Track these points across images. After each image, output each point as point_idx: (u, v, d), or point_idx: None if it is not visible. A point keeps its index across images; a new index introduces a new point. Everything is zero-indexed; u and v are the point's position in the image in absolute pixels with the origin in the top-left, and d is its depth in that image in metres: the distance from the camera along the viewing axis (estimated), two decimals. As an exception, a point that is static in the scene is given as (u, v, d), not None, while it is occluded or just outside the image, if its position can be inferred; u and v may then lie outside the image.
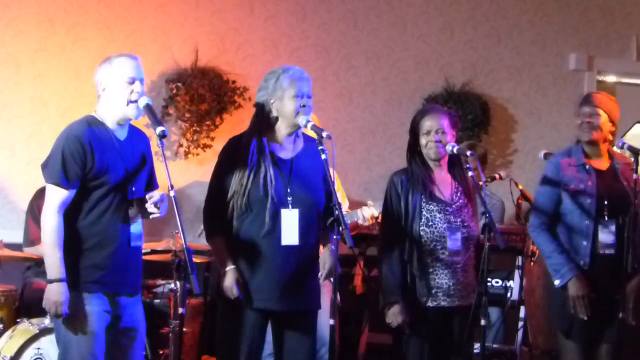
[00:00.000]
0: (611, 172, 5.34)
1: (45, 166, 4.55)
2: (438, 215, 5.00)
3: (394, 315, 4.97)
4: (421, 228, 4.99)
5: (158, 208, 4.54)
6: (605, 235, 5.24)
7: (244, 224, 4.71)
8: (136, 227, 4.65)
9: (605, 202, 5.23)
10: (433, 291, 4.98)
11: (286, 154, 4.80)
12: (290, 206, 4.68)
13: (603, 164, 5.36)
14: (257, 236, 4.68)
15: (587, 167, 5.30)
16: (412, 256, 5.00)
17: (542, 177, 5.46)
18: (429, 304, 4.97)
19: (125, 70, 4.56)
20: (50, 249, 4.44)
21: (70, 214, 4.50)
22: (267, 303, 4.70)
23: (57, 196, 4.47)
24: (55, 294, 4.41)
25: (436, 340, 5.00)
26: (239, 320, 4.71)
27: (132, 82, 4.55)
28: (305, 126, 4.66)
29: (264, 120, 4.80)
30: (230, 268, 4.67)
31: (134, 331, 4.68)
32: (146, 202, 4.57)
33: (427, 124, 5.07)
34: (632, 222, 5.15)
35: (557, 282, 5.25)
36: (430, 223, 5.00)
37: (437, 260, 4.99)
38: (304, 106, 4.71)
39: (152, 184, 4.78)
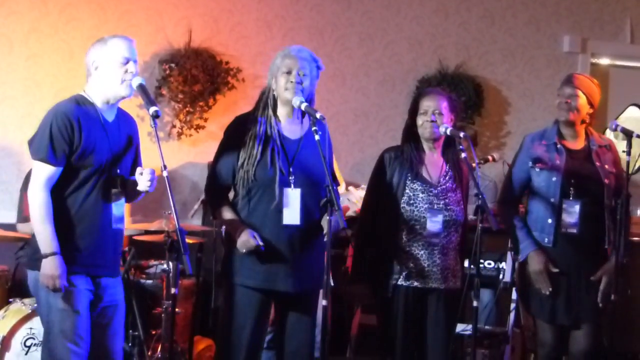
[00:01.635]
0: (584, 153, 5.38)
1: (32, 143, 4.54)
2: (421, 195, 5.03)
3: (352, 296, 5.23)
4: (402, 206, 5.02)
5: (150, 182, 4.54)
6: (569, 215, 5.28)
7: (251, 202, 4.72)
8: (119, 210, 4.66)
9: (572, 182, 5.27)
10: (406, 270, 5.01)
11: (293, 134, 4.81)
12: (292, 185, 4.69)
13: (577, 144, 5.41)
14: (265, 214, 4.69)
15: (558, 146, 5.35)
16: (390, 233, 5.05)
17: (514, 156, 5.56)
18: (402, 282, 5.02)
19: (120, 51, 4.56)
20: (40, 224, 4.43)
21: (55, 195, 4.48)
22: (270, 283, 4.72)
23: (43, 172, 4.45)
24: (50, 268, 4.39)
25: (413, 320, 5.04)
26: (245, 301, 4.72)
27: (126, 63, 4.55)
28: (300, 107, 4.66)
29: (268, 101, 4.81)
30: (244, 226, 4.68)
31: (113, 309, 4.68)
32: (131, 182, 4.58)
33: (425, 104, 5.09)
34: (624, 204, 5.18)
35: (519, 257, 5.37)
36: (411, 202, 5.03)
37: (415, 240, 5.02)
38: (291, 82, 4.71)
39: (136, 168, 4.77)
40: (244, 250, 4.65)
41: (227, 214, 4.80)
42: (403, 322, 5.02)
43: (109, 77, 4.54)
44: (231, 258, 4.80)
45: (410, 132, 5.18)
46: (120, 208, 4.67)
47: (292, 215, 4.70)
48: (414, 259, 5.00)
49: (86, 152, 4.48)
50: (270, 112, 4.80)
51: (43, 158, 4.44)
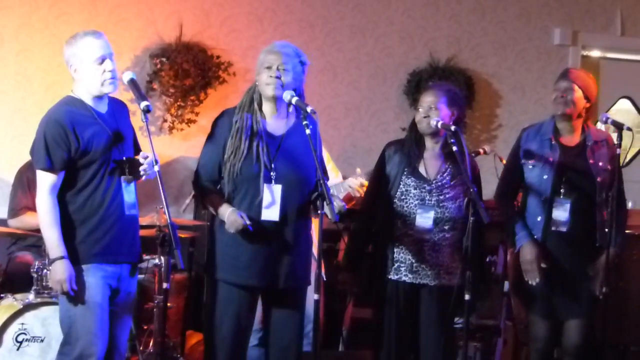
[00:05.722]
0: (578, 149, 5.35)
1: (32, 152, 4.61)
2: (413, 191, 5.03)
3: (343, 283, 5.18)
4: (394, 201, 5.03)
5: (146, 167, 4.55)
6: (559, 213, 5.27)
7: (235, 198, 4.69)
8: (130, 196, 4.67)
9: (563, 179, 5.26)
10: (396, 265, 5.03)
11: (276, 130, 4.77)
12: (273, 182, 4.67)
13: (573, 139, 5.38)
14: (249, 209, 4.65)
15: (553, 142, 5.32)
16: (381, 227, 5.07)
17: (511, 149, 5.54)
18: (391, 276, 5.03)
19: (92, 51, 4.54)
20: (48, 229, 4.51)
21: (65, 191, 4.55)
22: (252, 279, 4.70)
23: (46, 180, 4.52)
24: (58, 272, 4.47)
25: (405, 315, 5.05)
26: (225, 296, 4.71)
27: (101, 62, 4.54)
28: (290, 101, 4.65)
29: (254, 96, 4.79)
30: (231, 209, 4.64)
31: (126, 298, 4.74)
32: (138, 162, 4.59)
33: (423, 99, 5.09)
34: (615, 198, 5.18)
35: (514, 249, 5.38)
36: (403, 197, 5.04)
37: (405, 235, 5.02)
38: (271, 77, 4.69)
39: (137, 151, 4.78)
40: (233, 231, 4.61)
41: (215, 200, 4.76)
42: (394, 316, 5.03)
43: (89, 79, 4.56)
44: (214, 252, 4.77)
45: (414, 126, 5.18)
46: (132, 194, 4.69)
47: (272, 211, 4.69)
48: (404, 254, 5.01)
49: (87, 150, 4.52)
50: (257, 107, 4.78)
51: (43, 167, 4.51)
